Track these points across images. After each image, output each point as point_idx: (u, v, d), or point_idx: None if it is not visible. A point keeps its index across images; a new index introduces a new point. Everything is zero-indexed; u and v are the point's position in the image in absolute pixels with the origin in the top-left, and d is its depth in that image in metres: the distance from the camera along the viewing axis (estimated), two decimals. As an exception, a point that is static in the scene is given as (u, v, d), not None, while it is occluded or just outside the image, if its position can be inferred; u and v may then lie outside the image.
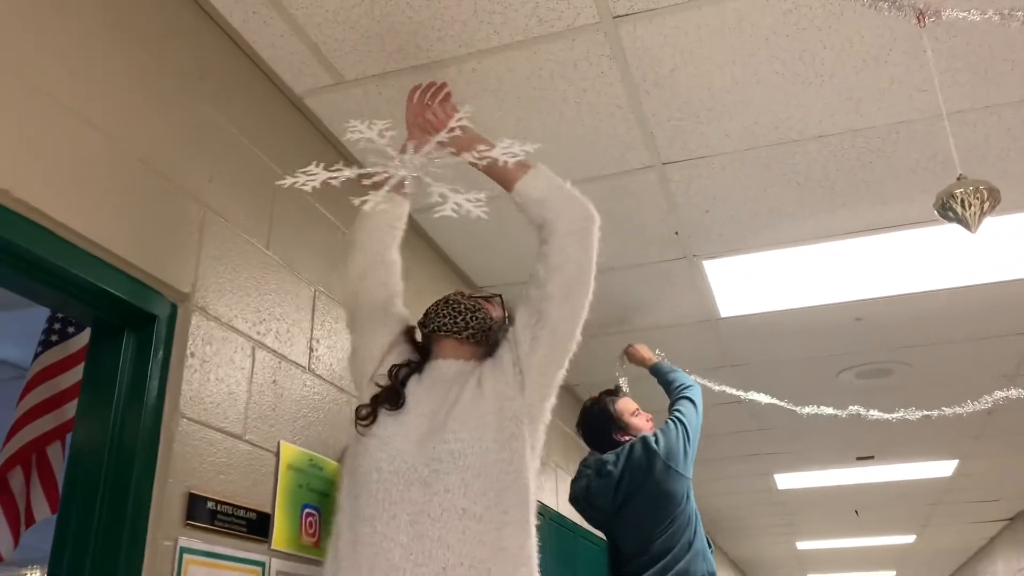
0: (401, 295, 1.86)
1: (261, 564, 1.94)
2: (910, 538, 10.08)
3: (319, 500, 2.21)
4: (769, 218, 3.07)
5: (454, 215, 1.67)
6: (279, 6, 2.07)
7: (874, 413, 3.71)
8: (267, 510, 2.01)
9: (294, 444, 2.16)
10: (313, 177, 1.73)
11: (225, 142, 2.09)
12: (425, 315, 1.79)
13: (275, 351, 2.15)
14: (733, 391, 3.70)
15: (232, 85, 2.16)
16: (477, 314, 1.74)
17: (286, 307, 2.22)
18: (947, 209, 1.74)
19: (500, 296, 1.87)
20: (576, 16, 2.11)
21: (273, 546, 1.99)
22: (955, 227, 3.05)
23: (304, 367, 2.26)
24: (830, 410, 3.71)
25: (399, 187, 1.78)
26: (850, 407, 3.73)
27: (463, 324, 1.72)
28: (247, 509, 1.93)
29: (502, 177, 1.72)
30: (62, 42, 1.64)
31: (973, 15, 1.74)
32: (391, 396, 1.65)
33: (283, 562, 2.02)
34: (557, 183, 1.70)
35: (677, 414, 3.19)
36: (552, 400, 1.66)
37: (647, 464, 3.09)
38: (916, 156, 2.70)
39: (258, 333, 2.09)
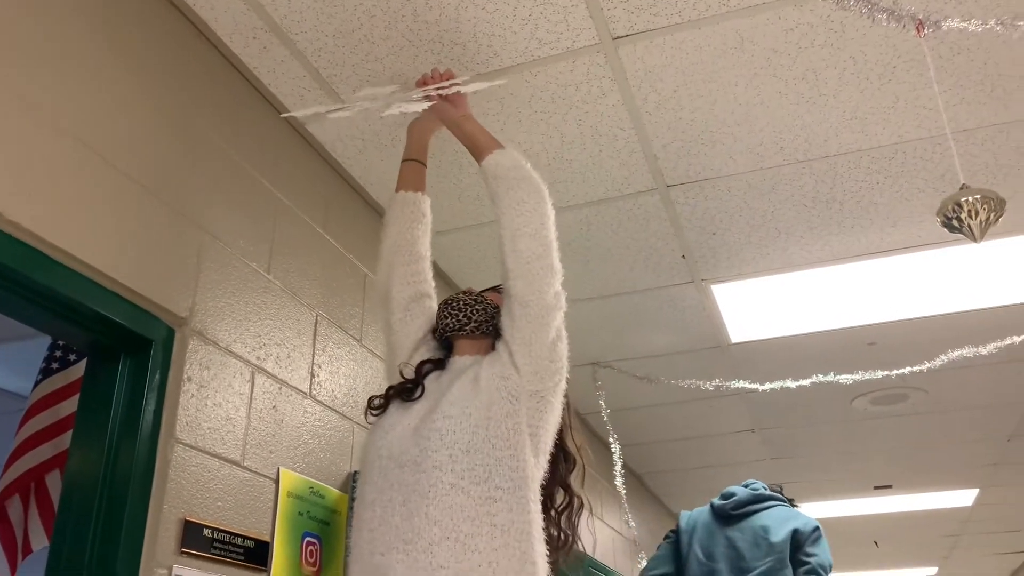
0: (432, 295, 1.93)
1: (259, 593, 1.90)
2: (931, 570, 9.88)
3: (320, 529, 2.17)
4: (777, 241, 3.04)
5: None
6: (278, 31, 2.08)
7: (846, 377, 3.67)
8: (266, 538, 1.97)
9: (294, 471, 2.12)
10: (296, 114, 2.19)
11: (226, 166, 2.08)
12: (436, 320, 1.83)
13: (275, 376, 2.12)
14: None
15: (233, 110, 2.16)
16: (477, 307, 1.77)
17: (287, 332, 2.20)
18: (952, 218, 1.71)
19: None
20: (576, 37, 2.10)
21: (272, 575, 1.96)
22: (965, 248, 3.03)
23: (305, 393, 2.24)
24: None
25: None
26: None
27: (465, 320, 1.76)
28: (245, 537, 1.89)
29: (475, 150, 1.85)
30: (60, 64, 1.64)
31: (974, 25, 1.72)
32: (404, 389, 1.70)
33: (282, 592, 1.98)
34: (517, 163, 1.77)
35: None
36: (555, 376, 1.65)
37: None
38: (924, 176, 2.67)
39: (258, 358, 2.07)
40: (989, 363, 3.94)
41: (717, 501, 3.28)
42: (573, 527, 1.71)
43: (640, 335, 3.78)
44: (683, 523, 3.35)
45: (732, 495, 3.26)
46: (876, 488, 6.26)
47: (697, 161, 2.59)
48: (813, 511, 6.89)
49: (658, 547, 3.42)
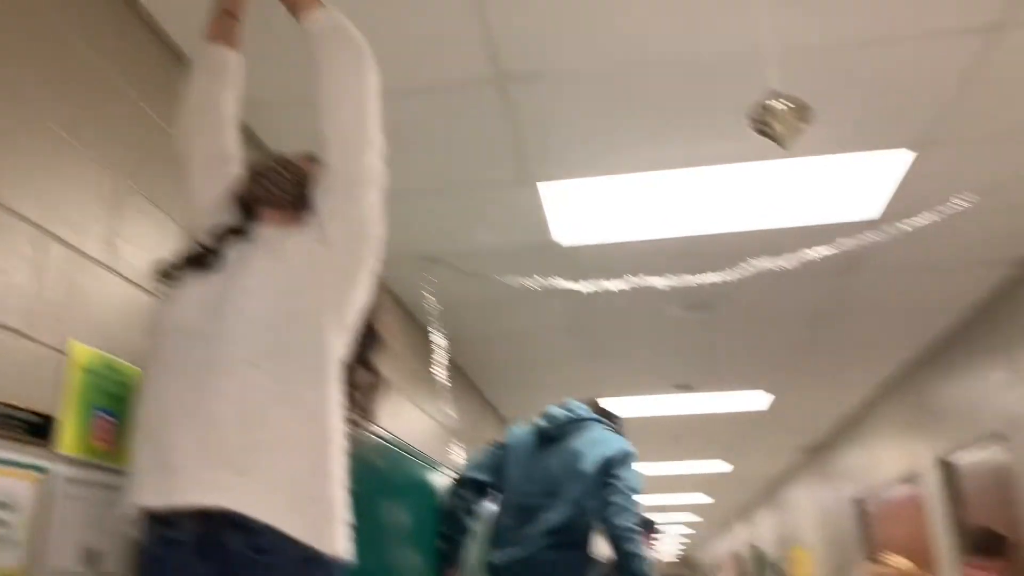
0: (237, 158, 1.81)
1: (43, 469, 1.80)
2: (725, 466, 10.78)
3: (114, 404, 2.07)
4: (607, 143, 3.08)
5: None
6: None
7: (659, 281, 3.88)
8: (52, 412, 1.86)
9: (88, 345, 2.00)
10: None
11: (16, 9, 1.86)
12: (240, 187, 1.72)
13: (69, 244, 1.97)
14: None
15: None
16: (287, 176, 1.69)
17: (85, 197, 2.04)
18: (759, 121, 1.77)
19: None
20: (415, -95, 2.00)
21: (57, 450, 1.85)
22: (781, 163, 3.18)
23: (103, 263, 2.09)
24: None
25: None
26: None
27: (274, 188, 1.67)
28: (27, 410, 1.78)
29: (293, 7, 1.72)
30: None
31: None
32: (201, 257, 1.60)
33: (70, 468, 1.89)
34: (340, 24, 1.68)
35: None
36: (365, 252, 1.60)
37: None
38: (746, 90, 2.74)
39: (49, 222, 1.90)
40: (790, 276, 4.22)
41: (539, 422, 3.34)
42: (372, 406, 1.71)
43: (469, 230, 3.78)
44: (510, 440, 3.39)
45: (552, 416, 3.32)
46: (676, 386, 6.68)
47: (535, 54, 2.55)
48: (621, 407, 7.34)
49: (482, 451, 3.47)
